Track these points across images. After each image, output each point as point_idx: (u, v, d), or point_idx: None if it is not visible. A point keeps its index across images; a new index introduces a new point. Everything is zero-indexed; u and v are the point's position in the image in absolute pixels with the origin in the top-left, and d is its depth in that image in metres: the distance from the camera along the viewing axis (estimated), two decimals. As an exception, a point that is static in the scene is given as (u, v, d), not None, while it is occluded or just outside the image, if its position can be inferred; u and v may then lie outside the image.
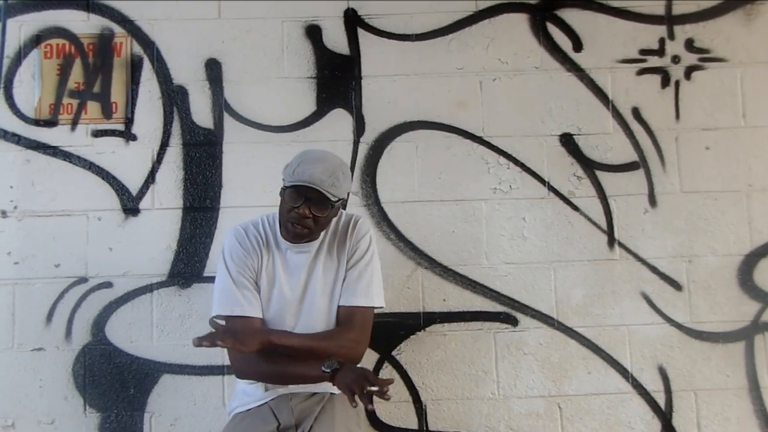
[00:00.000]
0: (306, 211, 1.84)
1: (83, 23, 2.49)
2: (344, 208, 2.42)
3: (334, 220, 2.00)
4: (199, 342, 1.68)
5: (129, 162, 2.46)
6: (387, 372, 2.42)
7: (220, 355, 2.36)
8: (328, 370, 1.78)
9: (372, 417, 2.39)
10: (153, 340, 2.41)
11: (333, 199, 1.84)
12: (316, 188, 1.81)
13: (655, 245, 2.48)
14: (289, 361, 1.85)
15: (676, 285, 2.47)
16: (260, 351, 1.81)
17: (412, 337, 2.44)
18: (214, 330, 1.76)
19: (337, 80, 2.50)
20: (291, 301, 1.95)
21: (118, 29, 2.49)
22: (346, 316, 1.94)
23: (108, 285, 2.42)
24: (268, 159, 2.43)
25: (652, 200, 2.50)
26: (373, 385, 1.69)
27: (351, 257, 1.96)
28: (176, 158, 2.47)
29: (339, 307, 1.96)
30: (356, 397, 1.68)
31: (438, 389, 2.43)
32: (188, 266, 2.43)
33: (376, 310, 1.99)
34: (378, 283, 1.98)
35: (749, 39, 2.54)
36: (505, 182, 2.49)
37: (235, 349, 1.78)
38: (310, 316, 1.95)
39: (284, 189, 1.89)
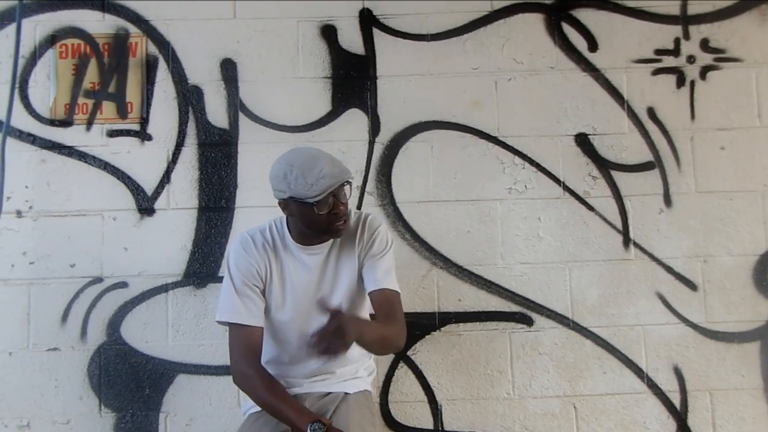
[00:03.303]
0: (342, 208, 1.85)
1: (98, 23, 2.49)
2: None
3: None
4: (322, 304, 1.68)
5: (144, 162, 2.46)
6: (402, 372, 2.42)
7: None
8: None
9: (387, 417, 2.40)
10: (168, 340, 2.41)
11: (351, 179, 1.87)
12: (348, 180, 1.83)
13: (670, 245, 2.48)
14: (286, 401, 1.84)
15: (691, 285, 2.47)
16: (269, 380, 1.86)
17: (427, 337, 2.44)
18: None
19: (353, 80, 2.50)
20: (306, 302, 1.94)
21: (133, 29, 2.49)
22: (384, 302, 1.91)
23: (123, 285, 2.42)
24: (283, 159, 2.41)
25: (668, 200, 2.50)
26: None
27: (370, 248, 1.94)
28: (191, 158, 2.47)
29: (372, 292, 1.93)
30: None
31: (453, 389, 2.43)
32: (203, 266, 2.43)
33: None
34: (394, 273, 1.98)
35: (765, 39, 2.54)
36: (520, 182, 2.49)
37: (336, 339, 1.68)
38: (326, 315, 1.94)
39: (302, 203, 1.81)
